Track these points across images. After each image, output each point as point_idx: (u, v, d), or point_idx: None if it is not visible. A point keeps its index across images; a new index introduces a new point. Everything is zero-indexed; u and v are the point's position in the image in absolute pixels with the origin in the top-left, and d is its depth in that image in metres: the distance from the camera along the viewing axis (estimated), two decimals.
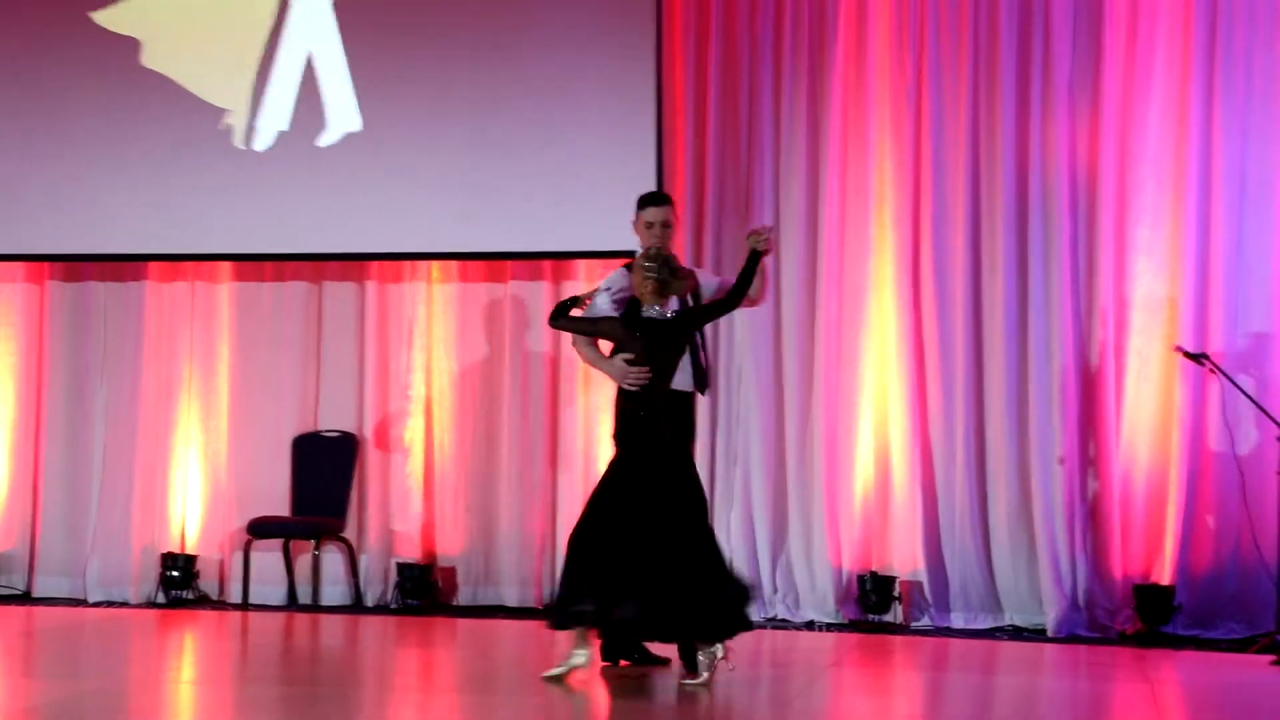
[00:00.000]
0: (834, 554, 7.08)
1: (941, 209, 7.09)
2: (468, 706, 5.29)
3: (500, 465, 7.48)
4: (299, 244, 7.48)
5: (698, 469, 5.55)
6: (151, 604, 7.43)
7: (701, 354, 5.68)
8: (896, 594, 6.93)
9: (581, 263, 7.48)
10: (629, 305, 5.50)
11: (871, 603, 6.91)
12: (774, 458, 7.19)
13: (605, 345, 5.58)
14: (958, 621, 6.91)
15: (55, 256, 7.70)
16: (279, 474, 7.57)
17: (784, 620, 7.07)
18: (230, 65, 7.47)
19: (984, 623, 6.90)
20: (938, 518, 7.01)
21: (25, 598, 7.61)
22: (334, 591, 7.48)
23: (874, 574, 6.97)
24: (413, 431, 7.58)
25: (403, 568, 7.37)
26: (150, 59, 7.54)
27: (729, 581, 5.43)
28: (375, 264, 7.60)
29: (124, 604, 7.47)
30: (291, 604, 7.44)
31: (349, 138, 7.43)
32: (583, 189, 7.24)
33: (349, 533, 7.50)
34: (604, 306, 5.54)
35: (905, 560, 7.02)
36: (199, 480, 7.66)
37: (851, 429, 7.13)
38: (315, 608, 7.34)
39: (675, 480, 5.37)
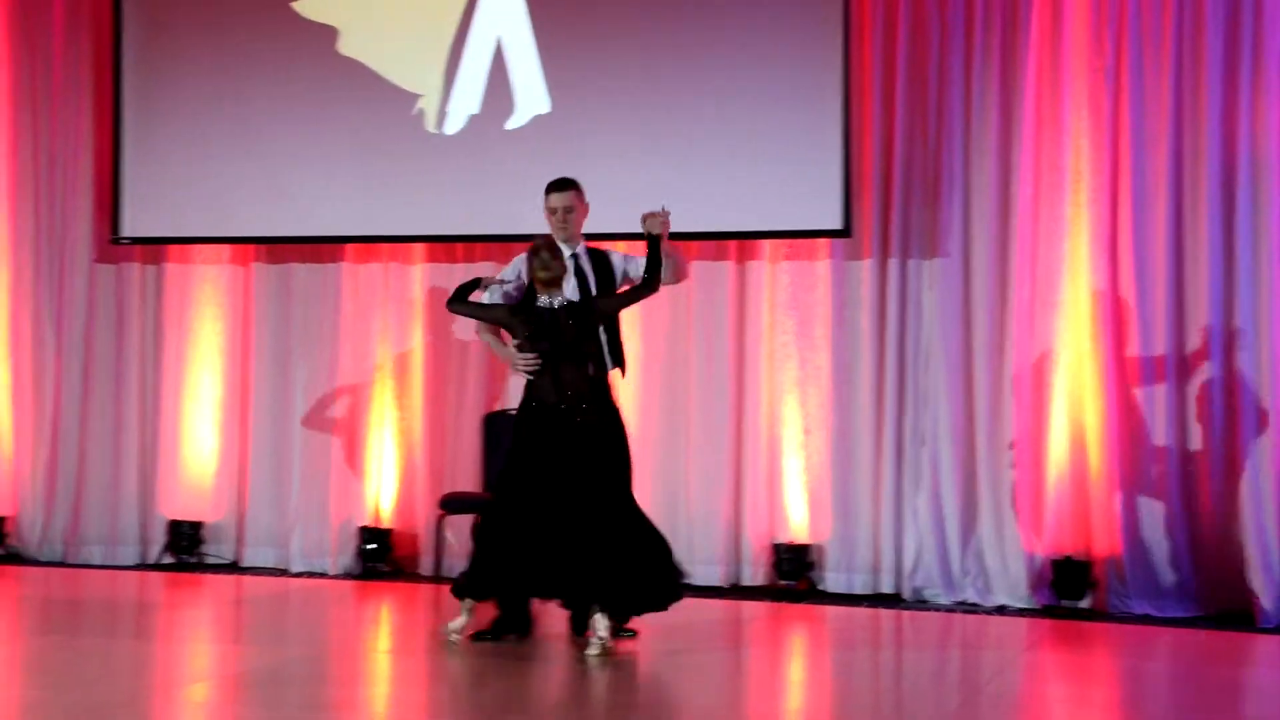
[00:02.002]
0: (1026, 538, 6.93)
1: (1141, 187, 6.87)
2: (649, 679, 5.33)
3: (685, 444, 7.51)
4: (488, 225, 7.61)
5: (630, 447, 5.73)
6: (350, 575, 7.67)
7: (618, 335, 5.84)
8: (1092, 580, 6.76)
9: (766, 243, 7.46)
10: (526, 292, 5.74)
11: (1066, 588, 6.75)
12: (964, 439, 7.08)
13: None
14: (1158, 609, 6.69)
15: (259, 239, 7.98)
16: (470, 450, 7.73)
17: (974, 604, 6.95)
18: (423, 51, 7.63)
19: (1186, 611, 6.67)
20: (1136, 502, 6.80)
21: (234, 567, 7.92)
22: None
23: (1069, 559, 6.81)
24: None
25: None
26: (347, 46, 7.75)
27: (648, 558, 5.57)
28: None
29: (324, 575, 7.72)
30: None
31: (537, 120, 7.53)
32: (768, 169, 7.21)
33: None
34: (497, 295, 5.78)
35: (1102, 545, 6.83)
36: (394, 456, 7.86)
37: (1044, 411, 6.97)
38: None
39: (594, 459, 5.53)
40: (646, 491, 7.52)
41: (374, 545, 7.65)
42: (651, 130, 7.35)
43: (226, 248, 8.09)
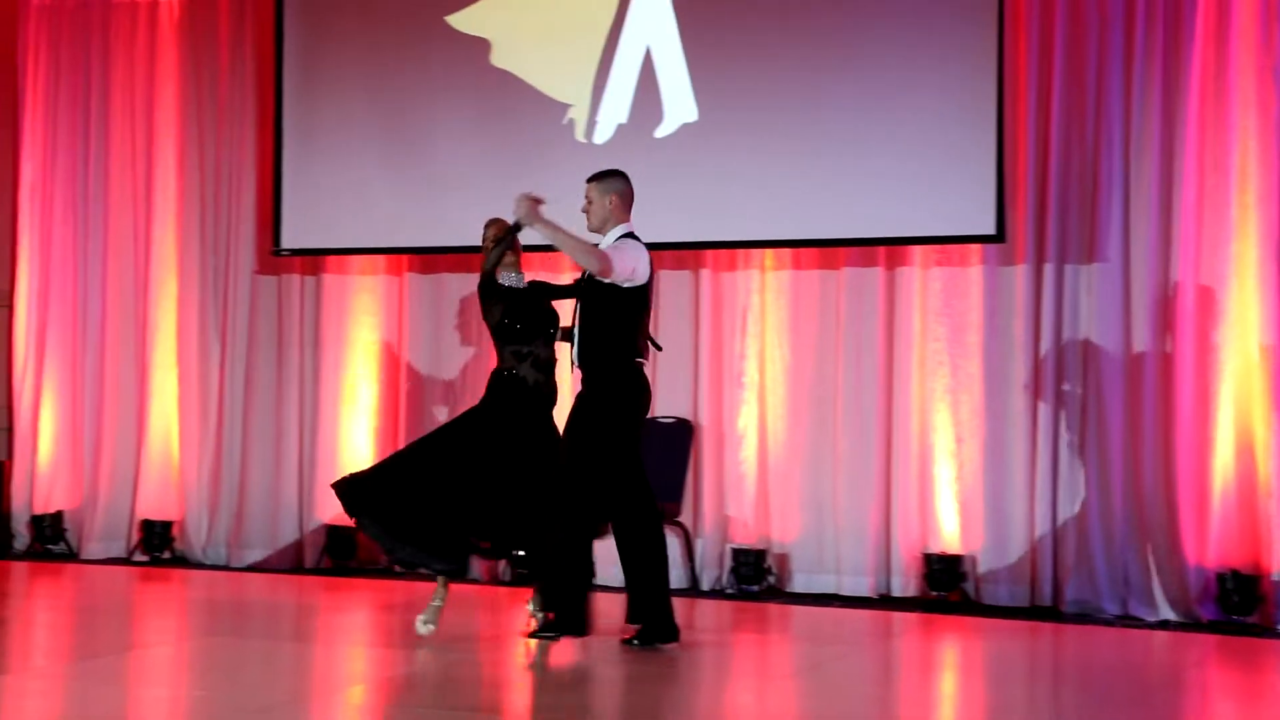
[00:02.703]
0: (1191, 550, 6.71)
1: None
2: (805, 692, 5.28)
3: (834, 452, 7.45)
4: (636, 233, 7.61)
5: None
6: (503, 581, 7.74)
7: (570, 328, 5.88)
8: (1261, 594, 6.51)
9: (916, 248, 7.36)
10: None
11: (1233, 603, 6.52)
12: (1123, 448, 6.89)
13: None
14: None
15: (413, 249, 8.13)
16: None
17: (1135, 619, 6.75)
18: (573, 61, 7.70)
19: None
20: None
21: (389, 572, 8.05)
22: (671, 574, 7.57)
23: (1235, 572, 6.57)
24: (746, 418, 7.63)
25: (738, 553, 7.45)
26: (498, 58, 7.86)
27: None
28: (710, 252, 7.69)
29: (476, 581, 7.80)
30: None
31: (685, 128, 7.54)
32: (919, 173, 7.11)
33: (685, 517, 7.62)
34: None
35: (1271, 558, 6.58)
36: None
37: (1210, 420, 6.75)
38: None
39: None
40: (795, 499, 7.49)
41: (523, 551, 7.70)
42: (799, 136, 7.30)
43: (381, 258, 8.26)
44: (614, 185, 5.82)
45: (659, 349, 5.94)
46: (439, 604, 5.94)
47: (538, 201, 5.75)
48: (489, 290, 6.01)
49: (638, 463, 5.82)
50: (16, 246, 8.72)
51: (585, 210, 5.87)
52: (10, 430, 8.66)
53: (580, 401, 5.77)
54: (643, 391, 5.81)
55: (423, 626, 5.89)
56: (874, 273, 7.43)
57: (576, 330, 5.83)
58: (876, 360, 7.39)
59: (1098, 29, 6.98)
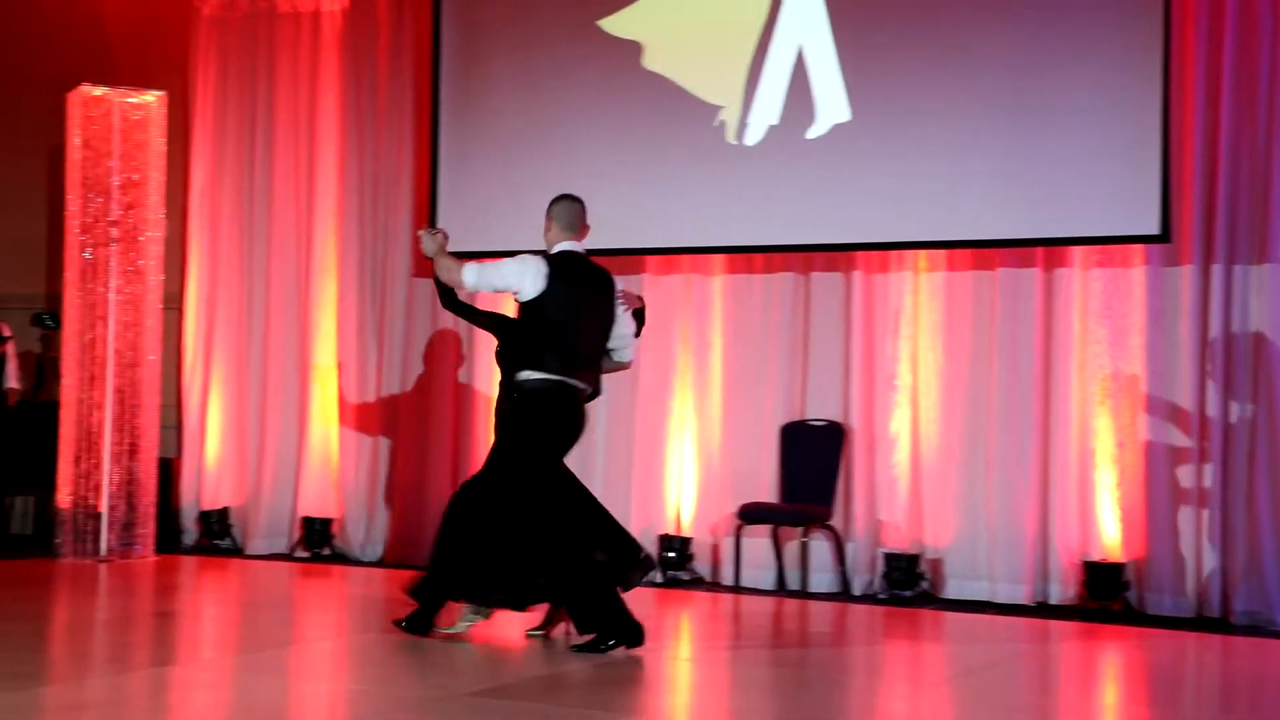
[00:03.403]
0: None
1: None
2: (959, 699, 5.19)
3: (988, 456, 7.31)
4: (787, 235, 7.60)
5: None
6: (649, 584, 7.76)
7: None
8: None
9: (1076, 249, 7.18)
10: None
11: None
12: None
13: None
14: None
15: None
16: (768, 461, 7.73)
17: None
18: (724, 63, 7.69)
19: None
20: None
21: None
22: (822, 579, 7.56)
23: None
24: (898, 421, 7.54)
25: (890, 558, 7.36)
26: (650, 61, 7.89)
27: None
28: (862, 254, 7.61)
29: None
30: (780, 589, 7.58)
31: (837, 129, 7.47)
32: (1078, 173, 6.95)
33: (836, 521, 7.56)
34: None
35: None
36: (693, 465, 7.94)
37: None
38: (803, 594, 7.45)
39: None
40: (949, 504, 7.37)
41: (673, 554, 7.74)
42: (954, 135, 7.19)
43: None
44: (551, 209, 5.92)
45: (588, 361, 5.77)
46: (542, 631, 5.92)
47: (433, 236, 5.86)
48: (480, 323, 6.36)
49: (546, 480, 5.62)
50: (186, 250, 9.03)
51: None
52: (180, 428, 8.97)
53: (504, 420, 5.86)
54: (551, 408, 5.59)
55: (534, 632, 5.93)
56: (1031, 274, 7.28)
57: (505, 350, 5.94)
58: (1033, 363, 7.23)
59: (1270, 22, 6.73)
